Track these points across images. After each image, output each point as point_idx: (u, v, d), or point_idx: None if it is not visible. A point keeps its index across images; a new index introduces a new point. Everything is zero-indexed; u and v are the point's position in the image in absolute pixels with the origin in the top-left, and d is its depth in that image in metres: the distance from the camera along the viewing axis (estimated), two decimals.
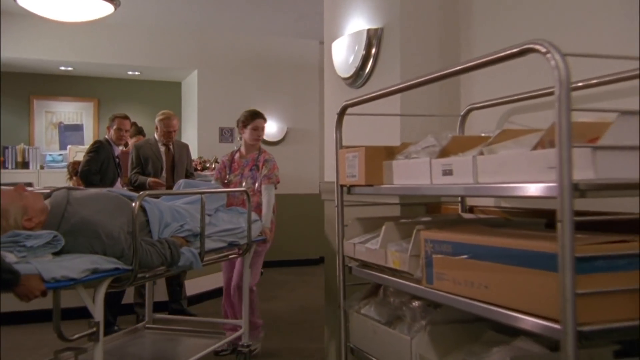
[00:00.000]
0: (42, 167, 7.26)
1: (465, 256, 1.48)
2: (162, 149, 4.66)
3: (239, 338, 3.41)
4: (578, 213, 1.14)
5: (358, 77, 2.90)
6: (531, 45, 1.21)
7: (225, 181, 3.95)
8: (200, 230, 2.72)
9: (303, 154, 7.88)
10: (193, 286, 5.30)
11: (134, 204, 2.35)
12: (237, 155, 4.03)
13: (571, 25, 1.96)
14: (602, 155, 1.16)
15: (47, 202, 2.38)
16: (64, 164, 6.85)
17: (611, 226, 1.37)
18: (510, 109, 2.19)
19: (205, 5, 6.52)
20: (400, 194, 2.43)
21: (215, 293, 5.45)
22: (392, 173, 1.89)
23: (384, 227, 1.90)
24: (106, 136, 4.71)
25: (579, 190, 1.14)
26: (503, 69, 1.69)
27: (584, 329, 1.14)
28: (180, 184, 3.42)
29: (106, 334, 2.70)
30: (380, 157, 1.96)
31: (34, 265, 1.97)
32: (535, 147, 1.31)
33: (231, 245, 3.07)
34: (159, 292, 4.41)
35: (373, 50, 2.78)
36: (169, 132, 4.61)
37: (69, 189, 2.57)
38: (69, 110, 7.83)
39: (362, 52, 2.80)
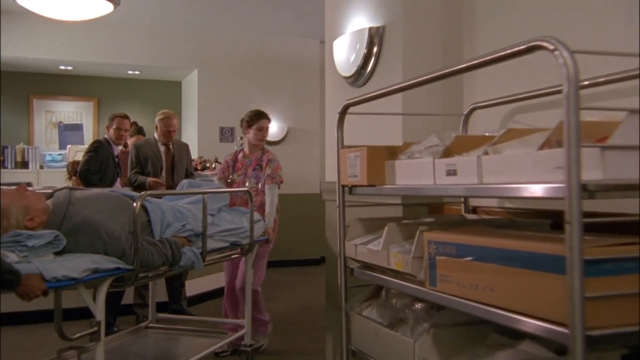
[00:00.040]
0: (41, 167, 7.24)
1: (470, 258, 1.45)
2: (162, 148, 4.64)
3: (242, 338, 3.40)
4: (585, 214, 1.11)
5: (359, 76, 2.87)
6: (539, 42, 1.18)
7: (229, 181, 3.94)
8: (202, 230, 2.72)
9: (304, 154, 7.86)
10: (194, 286, 5.28)
11: (135, 204, 2.34)
12: (240, 155, 4.03)
13: (575, 24, 1.93)
14: (611, 155, 1.13)
15: (49, 202, 2.40)
16: (64, 163, 6.83)
17: (618, 227, 1.34)
18: (514, 108, 2.17)
19: (206, 4, 6.50)
20: (403, 195, 2.40)
21: (216, 293, 5.43)
22: (395, 173, 1.86)
23: (386, 228, 1.87)
24: (105, 136, 4.68)
25: (588, 191, 1.12)
26: (506, 67, 1.66)
27: (593, 333, 1.11)
28: (184, 184, 3.41)
29: (106, 334, 2.70)
30: (382, 157, 1.93)
31: (35, 264, 1.98)
32: (541, 147, 1.29)
33: (233, 245, 3.07)
34: (159, 292, 4.38)
35: (375, 49, 2.75)
36: (169, 131, 4.59)
37: (70, 189, 2.59)
38: (69, 110, 7.81)
39: (364, 50, 2.78)
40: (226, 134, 7.57)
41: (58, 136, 7.73)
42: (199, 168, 6.47)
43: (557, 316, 1.18)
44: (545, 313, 1.23)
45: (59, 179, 5.98)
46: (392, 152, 1.94)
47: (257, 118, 3.96)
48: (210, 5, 6.54)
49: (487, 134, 1.80)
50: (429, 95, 2.55)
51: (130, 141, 5.18)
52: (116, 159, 4.62)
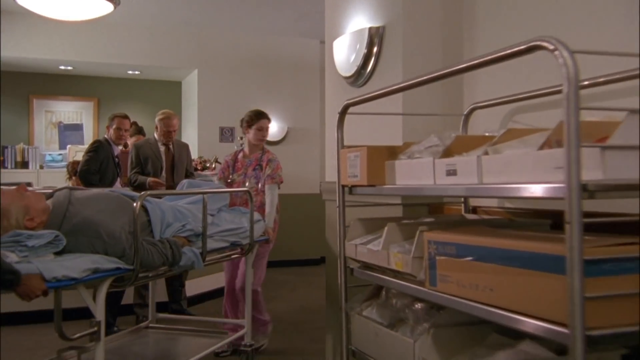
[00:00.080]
0: (41, 167, 7.24)
1: (470, 258, 1.45)
2: (162, 148, 4.64)
3: (242, 338, 3.40)
4: (585, 214, 1.11)
5: (359, 76, 2.87)
6: (539, 42, 1.18)
7: (229, 181, 3.94)
8: (202, 230, 2.72)
9: (304, 154, 7.86)
10: (194, 287, 5.28)
11: (135, 204, 2.34)
12: (240, 155, 4.03)
13: (575, 24, 1.93)
14: (611, 155, 1.13)
15: (49, 202, 2.40)
16: (64, 163, 6.83)
17: (617, 227, 1.34)
18: (514, 108, 2.16)
19: (206, 4, 6.49)
20: (403, 195, 2.40)
21: (216, 293, 5.43)
22: (395, 173, 1.86)
23: (386, 228, 1.87)
24: (105, 136, 4.68)
25: (588, 191, 1.12)
26: (506, 67, 1.66)
27: (593, 333, 1.11)
28: (184, 184, 3.41)
29: (106, 334, 2.70)
30: (382, 157, 1.93)
31: (35, 264, 1.98)
32: (541, 147, 1.29)
33: (233, 245, 3.07)
34: (159, 292, 4.38)
35: (375, 49, 2.75)
36: (169, 131, 4.59)
37: (71, 189, 2.59)
38: (69, 110, 7.80)
39: (364, 50, 2.78)
40: (226, 134, 7.57)
41: (58, 136, 7.73)
42: (199, 168, 6.46)
43: (557, 316, 1.18)
44: (545, 313, 1.23)
45: (59, 179, 5.98)
46: (392, 152, 1.94)
47: (257, 118, 3.96)
48: (210, 5, 6.54)
49: (487, 134, 1.80)
50: (429, 95, 2.55)
51: (130, 141, 5.18)
52: (116, 159, 4.62)
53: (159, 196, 3.04)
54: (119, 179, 4.65)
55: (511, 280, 1.32)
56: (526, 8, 2.19)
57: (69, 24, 6.02)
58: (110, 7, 4.78)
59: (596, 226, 1.22)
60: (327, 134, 3.32)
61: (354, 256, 2.06)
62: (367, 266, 2.02)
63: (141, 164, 4.56)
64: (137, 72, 7.77)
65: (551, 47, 1.14)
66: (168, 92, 8.19)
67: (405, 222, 1.92)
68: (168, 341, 3.33)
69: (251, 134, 3.97)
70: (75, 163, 5.28)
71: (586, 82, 1.59)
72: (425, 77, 1.69)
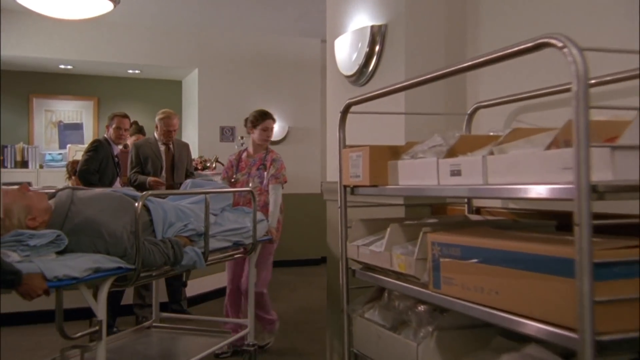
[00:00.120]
0: (41, 166, 7.22)
1: (475, 260, 1.42)
2: (162, 148, 4.61)
3: (244, 338, 3.37)
4: (594, 216, 1.09)
5: (361, 75, 2.84)
6: (547, 40, 1.15)
7: (232, 180, 3.93)
8: (205, 230, 2.70)
9: (305, 154, 7.83)
10: (195, 287, 5.26)
11: (137, 204, 2.33)
12: (244, 155, 4.02)
13: (579, 23, 1.91)
14: (621, 155, 1.10)
15: (51, 201, 2.40)
16: (64, 163, 6.81)
17: (625, 229, 1.32)
18: (518, 107, 2.14)
19: (206, 3, 6.47)
20: (406, 195, 2.37)
21: (217, 293, 5.41)
22: (398, 173, 1.84)
23: (389, 229, 1.84)
24: (105, 135, 4.65)
25: (597, 192, 1.09)
26: (509, 66, 1.63)
27: (603, 338, 1.08)
28: (187, 183, 3.40)
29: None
30: (384, 156, 1.91)
31: (37, 264, 1.98)
32: (549, 147, 1.26)
33: (236, 244, 3.05)
34: (159, 293, 4.36)
35: (377, 48, 2.73)
36: (169, 131, 4.56)
37: (73, 188, 2.59)
38: (69, 109, 7.78)
39: (366, 49, 2.75)
40: (227, 134, 7.54)
41: (58, 135, 7.71)
42: (199, 168, 6.43)
43: (565, 320, 1.15)
44: (552, 317, 1.20)
45: (58, 179, 5.96)
46: (395, 152, 1.91)
47: (262, 118, 3.95)
48: (211, 4, 6.51)
49: (491, 134, 1.77)
50: (432, 94, 2.53)
51: (130, 140, 5.15)
52: (116, 159, 4.59)
53: (161, 196, 3.03)
54: (118, 179, 4.62)
55: (517, 283, 1.29)
56: (529, 7, 2.16)
57: (69, 22, 5.99)
58: (110, 6, 4.75)
59: (604, 228, 1.20)
60: (328, 134, 3.30)
61: (356, 257, 2.03)
62: (369, 267, 1.99)
63: (141, 163, 4.54)
64: (137, 71, 7.74)
65: (560, 44, 1.12)
66: (168, 92, 8.16)
67: (408, 223, 1.89)
68: (172, 341, 3.33)
69: (256, 134, 3.96)
70: (74, 162, 5.24)
71: (593, 81, 1.56)
72: (428, 76, 1.67)
